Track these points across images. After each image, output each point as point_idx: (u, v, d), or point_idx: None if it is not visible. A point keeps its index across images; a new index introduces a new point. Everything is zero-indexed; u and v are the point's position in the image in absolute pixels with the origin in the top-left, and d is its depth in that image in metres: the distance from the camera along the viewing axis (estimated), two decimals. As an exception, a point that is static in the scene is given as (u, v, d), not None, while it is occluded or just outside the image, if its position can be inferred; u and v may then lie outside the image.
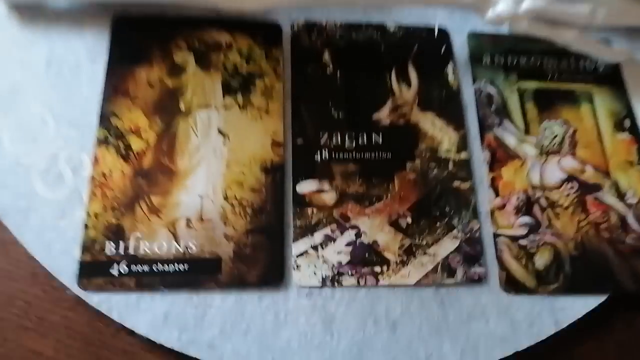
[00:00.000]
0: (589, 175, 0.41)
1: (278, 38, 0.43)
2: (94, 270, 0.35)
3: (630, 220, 0.40)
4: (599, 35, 0.46)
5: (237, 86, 0.41)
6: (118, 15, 0.42)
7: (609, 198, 0.40)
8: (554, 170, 0.41)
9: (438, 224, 0.38)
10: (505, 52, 0.45)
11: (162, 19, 0.43)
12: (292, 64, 0.43)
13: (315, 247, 0.37)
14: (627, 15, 0.42)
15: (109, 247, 0.35)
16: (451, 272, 0.37)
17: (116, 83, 0.40)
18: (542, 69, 0.45)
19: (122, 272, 0.35)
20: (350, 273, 0.36)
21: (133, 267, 0.35)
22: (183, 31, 0.42)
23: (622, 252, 0.38)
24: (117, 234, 0.36)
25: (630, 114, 0.43)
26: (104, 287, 0.34)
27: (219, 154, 0.39)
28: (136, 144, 0.38)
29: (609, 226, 0.39)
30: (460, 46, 0.45)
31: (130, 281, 0.35)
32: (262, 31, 0.43)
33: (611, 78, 0.45)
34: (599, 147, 0.42)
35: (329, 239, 0.37)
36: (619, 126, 0.43)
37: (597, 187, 0.40)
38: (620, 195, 0.40)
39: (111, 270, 0.35)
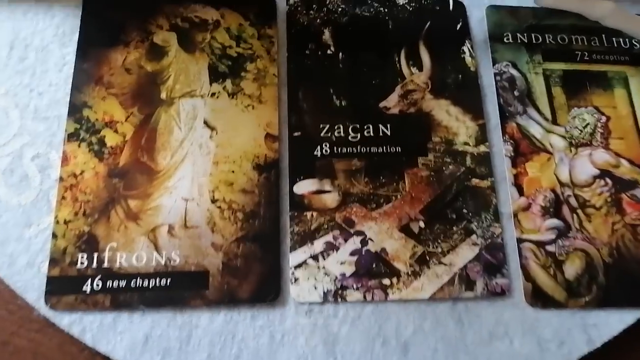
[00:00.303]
0: (625, 170, 0.36)
1: (272, 15, 0.38)
2: (64, 286, 0.31)
3: (671, 221, 0.35)
4: (634, 9, 0.41)
5: (226, 71, 0.36)
6: (91, -10, 0.37)
7: (647, 196, 0.36)
8: (585, 165, 0.36)
9: (455, 228, 0.34)
10: (529, 29, 0.40)
11: (140, -6, 0.38)
12: (288, 44, 0.38)
13: (315, 257, 0.32)
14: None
15: (81, 260, 0.31)
16: (470, 284, 0.32)
17: (88, 68, 0.35)
18: (571, 49, 0.40)
19: (96, 288, 0.31)
20: (355, 286, 0.32)
21: (108, 283, 0.31)
22: (164, 7, 0.38)
23: (663, 258, 0.34)
24: (89, 244, 0.31)
25: (670, 98, 0.39)
26: (75, 306, 0.30)
27: (206, 150, 0.34)
28: (111, 139, 0.34)
29: (648, 228, 0.35)
30: (479, 22, 0.40)
31: (105, 299, 0.30)
32: (254, 7, 0.39)
33: (649, 58, 0.40)
34: (636, 137, 0.37)
35: (331, 248, 0.33)
36: (657, 113, 0.38)
37: (633, 184, 0.36)
38: (660, 193, 0.36)
39: (84, 287, 0.31)
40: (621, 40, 0.40)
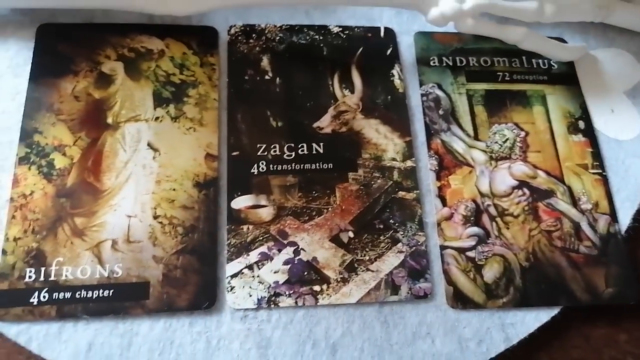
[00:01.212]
0: (541, 180, 0.39)
1: (214, 43, 0.41)
2: (12, 299, 0.33)
3: (585, 227, 0.38)
4: (553, 32, 0.45)
5: (170, 96, 0.39)
6: (43, 23, 0.40)
7: (562, 204, 0.38)
8: (504, 177, 0.39)
9: (382, 237, 0.36)
10: (453, 53, 0.43)
11: (89, 26, 0.41)
12: (228, 71, 0.41)
13: (250, 267, 0.35)
14: (577, 11, 0.40)
15: (29, 274, 0.33)
16: (395, 289, 0.35)
17: (40, 97, 0.38)
18: (493, 70, 0.43)
19: (43, 300, 0.33)
20: (287, 293, 0.34)
21: (54, 295, 0.33)
22: (112, 39, 0.40)
23: (576, 262, 0.37)
24: (37, 259, 0.33)
25: (584, 114, 0.42)
26: (22, 317, 0.32)
27: (149, 170, 0.36)
28: (60, 162, 0.36)
29: (562, 234, 0.37)
30: (407, 47, 0.43)
31: (51, 310, 0.32)
32: (197, 36, 0.41)
33: (565, 77, 0.43)
34: (552, 150, 0.40)
35: (265, 258, 0.35)
36: (572, 128, 0.41)
37: (549, 193, 0.39)
38: (574, 201, 0.39)
39: (31, 299, 0.33)
40: (540, 61, 0.44)
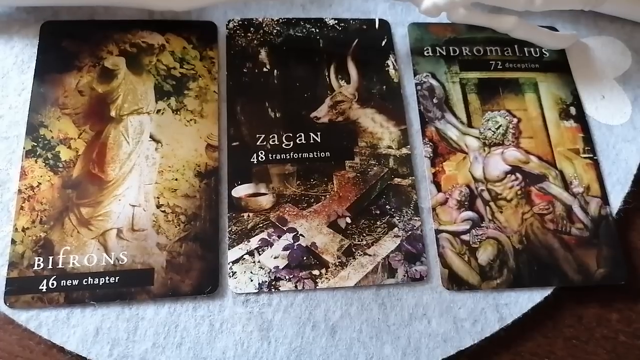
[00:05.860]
0: (534, 165, 0.40)
1: (213, 38, 0.42)
2: (22, 286, 0.34)
3: (576, 209, 0.39)
4: (545, 21, 0.46)
5: (171, 90, 0.40)
6: (47, 21, 0.41)
7: (554, 188, 0.39)
8: (497, 163, 0.40)
9: (378, 222, 0.37)
10: (447, 43, 0.44)
11: (92, 23, 0.42)
12: (227, 64, 0.42)
13: (251, 253, 0.36)
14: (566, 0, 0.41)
15: (38, 263, 0.34)
16: (392, 272, 0.36)
17: (45, 92, 0.39)
18: (486, 59, 0.44)
19: (51, 287, 0.34)
20: (287, 278, 0.35)
21: (62, 282, 0.34)
22: (114, 35, 0.41)
23: (568, 243, 0.38)
24: (45, 248, 0.35)
25: (576, 101, 0.43)
26: (32, 304, 0.33)
27: (151, 161, 0.38)
28: (65, 154, 0.37)
29: (554, 217, 0.38)
30: (402, 38, 0.44)
31: (59, 296, 0.34)
32: (197, 31, 0.42)
33: (557, 65, 0.44)
34: (544, 136, 0.41)
35: (265, 244, 0.36)
36: (564, 114, 0.42)
37: (541, 178, 0.40)
38: (566, 185, 0.39)
39: (40, 286, 0.34)
40: (532, 50, 0.45)
